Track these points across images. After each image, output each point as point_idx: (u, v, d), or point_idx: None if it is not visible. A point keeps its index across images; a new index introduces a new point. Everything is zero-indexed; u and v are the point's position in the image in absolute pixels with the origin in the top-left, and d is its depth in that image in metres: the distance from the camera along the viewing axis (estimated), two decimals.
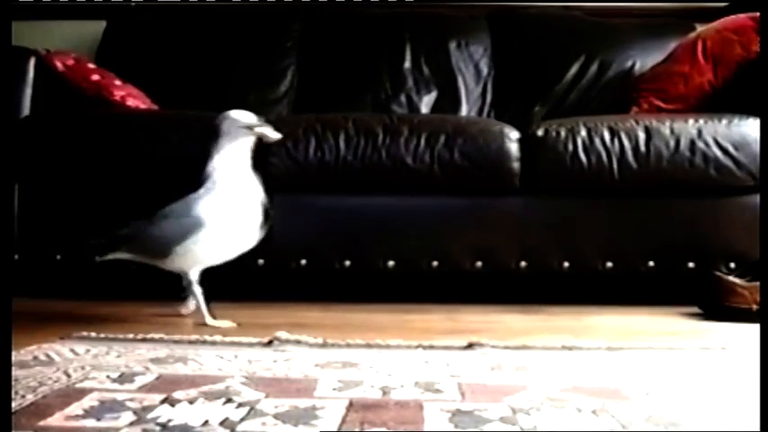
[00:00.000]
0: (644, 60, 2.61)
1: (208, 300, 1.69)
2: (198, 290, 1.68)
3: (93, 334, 1.45)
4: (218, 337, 1.43)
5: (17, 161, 2.07)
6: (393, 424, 0.87)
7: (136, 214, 1.70)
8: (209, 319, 1.66)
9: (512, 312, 1.89)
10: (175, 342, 1.39)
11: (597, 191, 2.04)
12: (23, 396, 0.96)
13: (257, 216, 1.67)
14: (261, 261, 2.03)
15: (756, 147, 1.99)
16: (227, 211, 1.66)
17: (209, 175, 1.68)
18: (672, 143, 2.01)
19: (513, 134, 2.06)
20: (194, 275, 1.68)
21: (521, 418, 0.89)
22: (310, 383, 1.07)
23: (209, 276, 1.69)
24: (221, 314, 1.68)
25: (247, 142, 1.70)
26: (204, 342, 1.40)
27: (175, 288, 1.72)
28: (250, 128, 1.69)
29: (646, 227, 2.05)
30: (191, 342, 1.40)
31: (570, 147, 2.02)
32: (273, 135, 1.73)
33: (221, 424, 0.86)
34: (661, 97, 2.37)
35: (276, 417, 0.89)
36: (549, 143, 2.04)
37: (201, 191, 1.67)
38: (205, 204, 1.65)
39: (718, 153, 2.01)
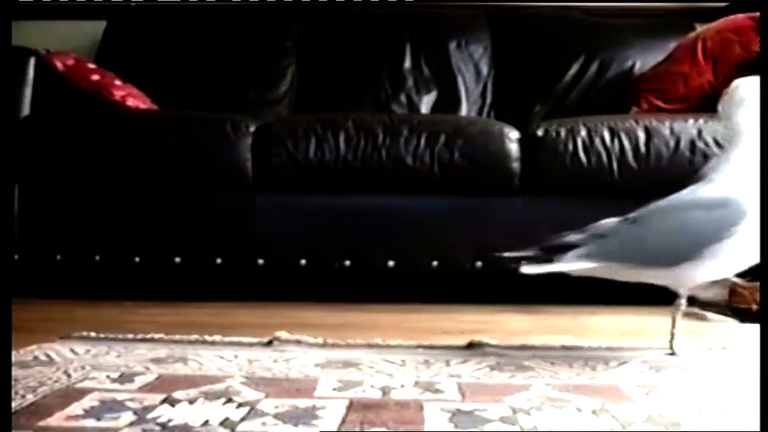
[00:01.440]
0: (644, 60, 2.61)
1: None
2: (680, 310, 1.35)
3: (93, 334, 1.45)
4: (217, 337, 1.43)
5: (17, 161, 2.07)
6: (393, 424, 0.87)
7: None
8: (677, 347, 1.34)
9: (512, 312, 1.89)
10: (175, 342, 1.39)
11: (597, 191, 2.04)
12: (23, 396, 0.96)
13: None
14: (261, 261, 2.03)
15: None
16: (756, 201, 1.24)
17: (726, 157, 1.31)
18: (672, 143, 2.01)
19: (513, 134, 2.06)
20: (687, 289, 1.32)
21: (521, 418, 0.89)
22: (310, 383, 1.07)
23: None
24: (220, 314, 1.67)
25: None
26: (204, 342, 1.40)
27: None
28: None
29: None
30: (191, 342, 1.40)
31: (570, 147, 2.02)
32: None
33: (221, 424, 0.86)
34: (661, 97, 2.37)
35: (276, 417, 0.89)
36: (549, 143, 2.03)
37: (723, 173, 1.29)
38: (740, 188, 1.25)
39: (719, 153, 2.00)
